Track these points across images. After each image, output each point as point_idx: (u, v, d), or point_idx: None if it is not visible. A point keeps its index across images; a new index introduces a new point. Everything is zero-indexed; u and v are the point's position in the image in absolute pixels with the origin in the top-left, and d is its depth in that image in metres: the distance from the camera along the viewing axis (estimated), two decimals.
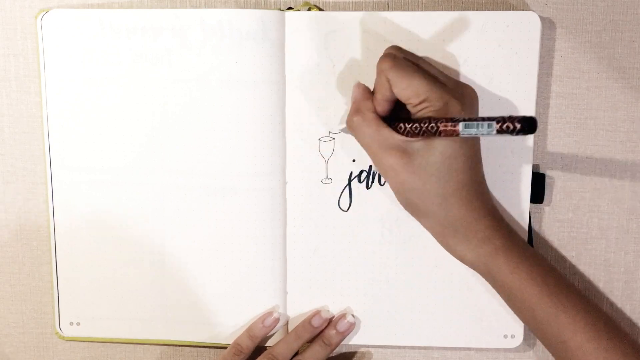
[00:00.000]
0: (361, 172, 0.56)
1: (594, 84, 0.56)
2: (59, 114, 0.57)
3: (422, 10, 0.56)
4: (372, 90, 0.52)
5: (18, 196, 0.60)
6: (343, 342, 0.58)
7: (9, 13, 0.57)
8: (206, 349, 0.61)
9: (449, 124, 0.45)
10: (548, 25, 0.55)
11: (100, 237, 0.58)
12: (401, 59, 0.50)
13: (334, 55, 0.55)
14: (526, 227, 0.56)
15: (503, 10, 0.55)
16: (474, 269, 0.51)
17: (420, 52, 0.54)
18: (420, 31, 0.54)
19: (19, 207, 0.60)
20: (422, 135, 0.48)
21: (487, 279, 0.51)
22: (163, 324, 0.59)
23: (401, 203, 0.51)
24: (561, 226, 0.58)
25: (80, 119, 0.57)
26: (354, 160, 0.56)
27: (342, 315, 0.57)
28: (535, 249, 0.53)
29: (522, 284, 0.49)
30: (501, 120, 0.42)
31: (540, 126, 0.56)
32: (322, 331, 0.57)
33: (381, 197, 0.56)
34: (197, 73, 0.55)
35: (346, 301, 0.58)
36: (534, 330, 0.51)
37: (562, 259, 0.58)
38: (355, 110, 0.51)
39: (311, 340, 0.57)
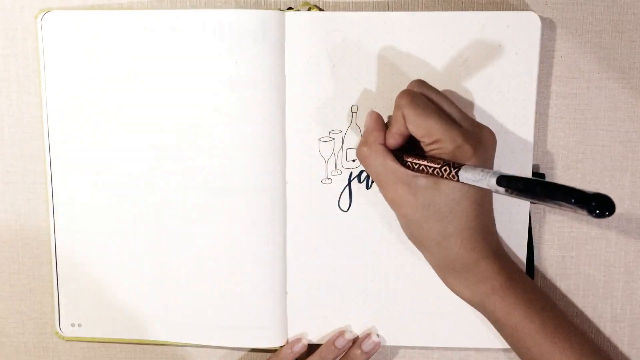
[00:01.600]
0: (361, 172, 0.56)
1: (594, 84, 0.56)
2: (59, 114, 0.57)
3: (422, 10, 0.56)
4: (385, 120, 0.53)
5: (18, 196, 0.60)
6: None
7: (9, 13, 0.57)
8: (206, 349, 0.61)
9: (452, 169, 0.46)
10: (548, 25, 0.55)
11: (100, 237, 0.58)
12: (420, 96, 0.50)
13: (334, 55, 0.55)
14: (526, 227, 0.56)
15: (503, 10, 0.55)
16: (472, 306, 0.51)
17: (420, 52, 0.54)
18: (420, 31, 0.54)
19: (19, 207, 0.60)
20: (428, 173, 0.48)
21: (485, 316, 0.51)
22: (163, 325, 0.59)
23: (405, 233, 0.52)
24: (561, 226, 0.58)
25: (80, 119, 0.57)
26: (353, 160, 0.56)
27: (367, 335, 0.57)
28: (539, 286, 0.53)
29: (517, 324, 0.49)
30: (504, 178, 0.41)
31: (540, 126, 0.56)
32: (347, 351, 0.57)
33: (381, 197, 0.56)
34: (197, 73, 0.55)
35: (346, 301, 0.58)
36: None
37: (562, 259, 0.58)
38: (365, 141, 0.52)
39: None
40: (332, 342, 0.57)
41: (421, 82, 0.52)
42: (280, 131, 0.56)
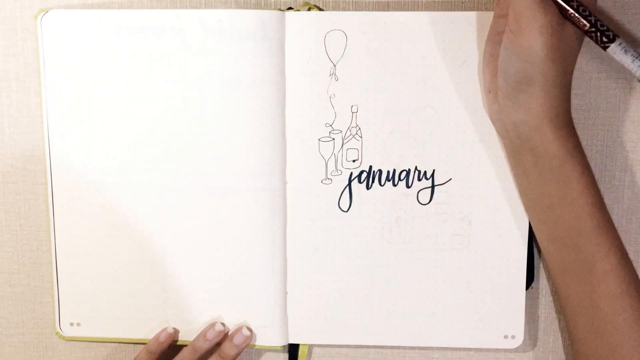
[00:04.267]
0: (361, 172, 0.56)
1: (594, 84, 0.56)
2: (59, 114, 0.57)
3: (422, 10, 0.56)
4: None
5: (18, 196, 0.60)
6: (344, 342, 0.59)
7: (9, 13, 0.57)
8: None
9: (606, 34, 0.47)
10: None
11: (100, 237, 0.58)
12: None
13: (334, 55, 0.55)
14: (526, 227, 0.56)
15: None
16: (523, 141, 0.50)
17: (420, 52, 0.54)
18: (420, 31, 0.54)
19: (19, 207, 0.60)
20: (573, 22, 0.48)
21: (525, 153, 0.50)
22: (163, 324, 0.59)
23: (511, 53, 0.48)
24: None
25: (80, 119, 0.57)
26: (354, 161, 0.56)
27: (238, 329, 0.58)
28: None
29: (572, 181, 0.49)
30: None
31: None
32: (219, 344, 0.58)
33: (381, 197, 0.56)
34: (197, 73, 0.55)
35: (346, 301, 0.58)
36: (555, 240, 0.50)
37: None
38: None
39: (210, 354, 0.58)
40: (203, 333, 0.57)
41: None
42: (280, 131, 0.56)
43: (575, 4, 0.48)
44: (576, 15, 0.48)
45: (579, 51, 0.49)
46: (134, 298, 0.59)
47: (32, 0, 0.57)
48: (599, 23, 0.47)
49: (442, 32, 0.54)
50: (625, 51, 0.47)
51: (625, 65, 0.46)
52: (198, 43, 0.55)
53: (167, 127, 0.56)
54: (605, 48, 0.47)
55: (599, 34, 0.47)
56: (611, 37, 0.47)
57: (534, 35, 0.47)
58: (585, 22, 0.47)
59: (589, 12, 0.48)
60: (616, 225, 0.57)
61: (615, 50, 0.47)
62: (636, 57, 0.46)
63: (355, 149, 0.56)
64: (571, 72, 0.49)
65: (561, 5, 0.48)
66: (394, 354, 0.60)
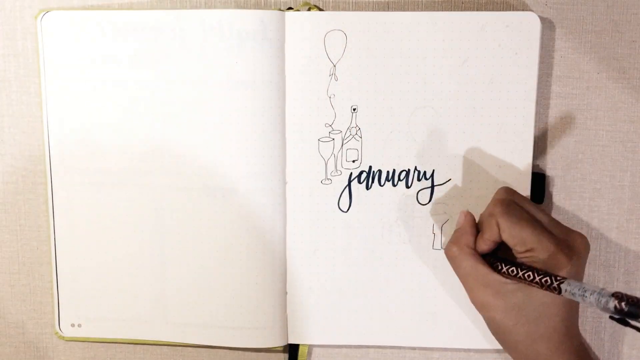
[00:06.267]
0: (361, 172, 0.56)
1: (594, 84, 0.56)
2: (59, 114, 0.57)
3: (422, 10, 0.56)
4: (476, 221, 0.52)
5: (18, 196, 0.60)
6: (344, 342, 0.59)
7: (9, 13, 0.57)
8: (206, 349, 0.61)
9: (553, 282, 0.46)
10: (548, 25, 0.55)
11: (100, 237, 0.58)
12: (513, 204, 0.50)
13: (334, 55, 0.55)
14: None
15: (503, 10, 0.55)
16: None
17: (420, 52, 0.54)
18: (420, 31, 0.54)
19: (19, 207, 0.60)
20: (524, 281, 0.48)
21: None
22: (163, 325, 0.59)
23: (492, 334, 0.52)
24: None
25: (80, 119, 0.57)
26: (353, 161, 0.56)
27: None
28: None
29: None
30: (619, 297, 0.41)
31: (540, 126, 0.56)
32: None
33: (381, 197, 0.56)
34: (197, 73, 0.55)
35: (345, 301, 0.58)
36: None
37: None
38: (456, 241, 0.52)
39: None
40: None
41: (510, 190, 0.52)
42: (280, 131, 0.56)
43: (514, 268, 0.48)
44: (509, 274, 0.48)
45: (556, 310, 0.49)
46: (134, 299, 0.59)
47: (32, 0, 0.57)
48: (537, 278, 0.47)
49: (442, 32, 0.54)
50: (577, 286, 0.44)
51: (584, 301, 0.43)
52: (198, 43, 0.55)
53: (167, 127, 0.56)
54: (559, 291, 0.46)
55: (547, 283, 0.46)
56: (558, 281, 0.46)
57: (482, 315, 0.51)
58: (526, 278, 0.47)
59: (528, 268, 0.47)
60: (616, 225, 0.58)
61: (569, 291, 0.45)
62: (588, 291, 0.43)
63: (355, 149, 0.56)
64: (541, 336, 0.49)
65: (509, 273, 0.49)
66: (394, 354, 0.60)
